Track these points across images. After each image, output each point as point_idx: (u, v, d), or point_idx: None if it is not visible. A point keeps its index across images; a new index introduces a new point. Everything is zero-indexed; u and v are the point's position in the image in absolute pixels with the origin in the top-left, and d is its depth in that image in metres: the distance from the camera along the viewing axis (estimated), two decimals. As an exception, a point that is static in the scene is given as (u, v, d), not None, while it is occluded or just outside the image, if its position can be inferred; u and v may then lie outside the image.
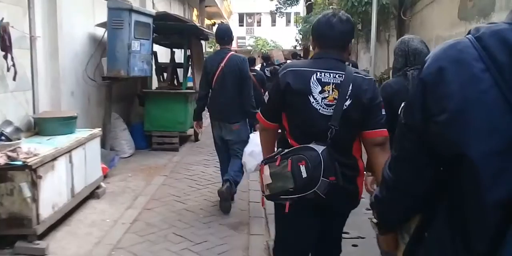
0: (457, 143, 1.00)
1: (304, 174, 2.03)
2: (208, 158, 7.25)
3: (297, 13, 33.18)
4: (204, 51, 11.73)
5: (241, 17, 37.80)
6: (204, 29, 8.35)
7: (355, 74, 2.21)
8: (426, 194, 1.19)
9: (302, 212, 2.25)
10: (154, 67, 8.35)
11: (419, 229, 1.23)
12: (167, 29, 7.72)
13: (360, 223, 3.53)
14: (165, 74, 8.71)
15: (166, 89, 8.03)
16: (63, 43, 5.45)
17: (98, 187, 5.06)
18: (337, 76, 2.18)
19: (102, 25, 6.47)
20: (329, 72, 2.18)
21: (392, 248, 1.45)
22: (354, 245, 3.82)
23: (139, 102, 8.10)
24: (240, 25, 37.14)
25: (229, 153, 4.84)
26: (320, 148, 2.08)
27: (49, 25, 5.21)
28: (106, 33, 6.14)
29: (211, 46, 17.47)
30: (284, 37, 33.07)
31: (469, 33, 1.09)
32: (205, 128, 9.92)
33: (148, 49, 6.51)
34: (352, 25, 2.29)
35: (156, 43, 8.44)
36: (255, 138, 3.94)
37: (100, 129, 5.15)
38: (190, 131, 8.57)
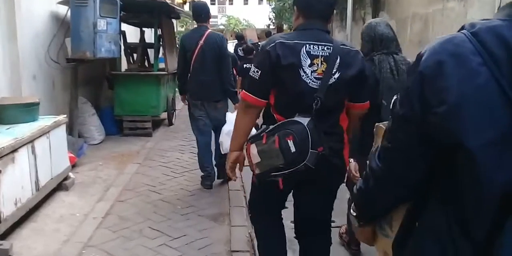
0: (455, 134, 1.03)
1: (293, 149, 2.01)
2: (183, 143, 6.94)
3: (269, -9, 32.79)
4: (175, 30, 11.28)
5: (212, -4, 37.02)
6: (176, 7, 7.92)
7: (342, 46, 2.19)
8: (416, 184, 1.20)
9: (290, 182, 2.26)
10: (122, 47, 7.94)
11: (409, 219, 1.23)
12: (135, 7, 7.27)
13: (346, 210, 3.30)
14: (134, 55, 8.28)
15: (136, 71, 7.62)
16: (22, 23, 4.99)
17: (66, 178, 4.71)
18: (325, 49, 2.15)
19: (64, 2, 5.99)
20: (318, 44, 2.16)
21: (370, 240, 1.46)
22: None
23: (108, 85, 7.68)
24: (211, 4, 36.36)
25: (210, 134, 4.79)
26: (305, 120, 2.06)
27: (5, 3, 4.75)
28: (69, 11, 5.68)
29: (183, 25, 16.90)
30: (256, 16, 32.70)
31: (462, 28, 1.12)
32: (178, 111, 9.64)
33: (115, 28, 6.08)
34: None
35: (124, 22, 7.99)
36: (232, 117, 3.80)
37: (66, 115, 4.75)
38: (164, 115, 8.22)
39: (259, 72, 2.19)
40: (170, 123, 8.36)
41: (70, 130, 6.19)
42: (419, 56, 1.13)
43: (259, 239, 2.66)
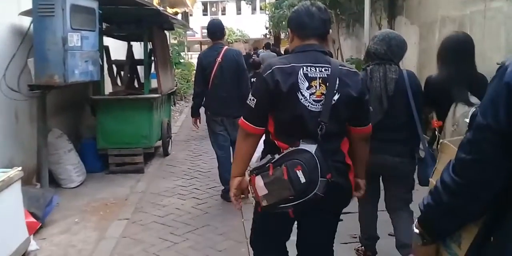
0: None
1: (303, 179, 1.95)
2: (183, 183, 5.58)
3: (262, 1, 31.95)
4: (169, 43, 9.97)
5: (205, 6, 35.96)
6: (169, 15, 6.60)
7: (340, 67, 2.15)
8: (494, 197, 1.18)
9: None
10: (106, 66, 6.63)
11: (483, 234, 1.21)
12: (120, 16, 6.01)
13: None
14: (122, 75, 6.97)
15: (124, 94, 6.27)
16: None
17: (25, 254, 3.37)
18: (323, 70, 2.12)
19: (28, 12, 4.70)
20: (315, 66, 2.12)
21: None
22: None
23: (92, 111, 6.33)
24: (204, 15, 35.34)
25: (229, 149, 4.78)
26: (312, 148, 2.01)
27: None
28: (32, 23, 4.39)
29: (176, 37, 15.60)
30: (250, 25, 31.77)
31: None
32: (175, 136, 8.32)
33: (93, 43, 4.77)
34: (330, 16, 2.23)
35: (108, 36, 6.71)
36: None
37: (20, 168, 3.41)
38: (158, 143, 6.90)
39: (255, 100, 2.15)
40: (166, 153, 7.02)
41: (38, 177, 4.85)
42: (503, 68, 1.15)
43: None
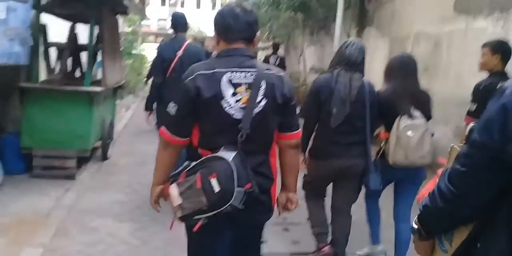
0: None
1: (217, 188, 1.80)
2: (121, 197, 4.65)
3: (224, -4, 31.33)
4: (120, 30, 8.89)
5: (163, -4, 34.71)
6: (123, -5, 5.62)
7: (266, 70, 2.06)
8: (484, 206, 1.28)
9: (213, 228, 1.95)
10: (42, 49, 5.57)
11: (471, 238, 1.31)
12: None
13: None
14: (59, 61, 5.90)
15: (59, 85, 5.23)
16: None
17: None
18: (248, 75, 2.01)
19: None
20: (240, 71, 2.01)
21: (428, 254, 1.52)
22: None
23: (20, 101, 5.25)
24: (162, 5, 34.00)
25: None
26: (230, 155, 1.88)
27: None
28: None
29: (130, 25, 14.43)
30: (209, 21, 30.58)
31: None
32: (117, 137, 7.32)
33: (23, 18, 3.79)
34: (257, 17, 2.13)
35: (48, 12, 5.64)
36: None
37: None
38: (97, 144, 5.90)
39: (176, 108, 2.04)
40: (105, 157, 6.01)
41: None
42: (501, 89, 1.25)
43: None
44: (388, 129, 3.11)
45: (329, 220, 3.32)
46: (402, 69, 3.19)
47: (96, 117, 5.34)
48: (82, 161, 5.51)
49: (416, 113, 3.04)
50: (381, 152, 3.16)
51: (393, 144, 3.00)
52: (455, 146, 1.57)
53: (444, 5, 5.90)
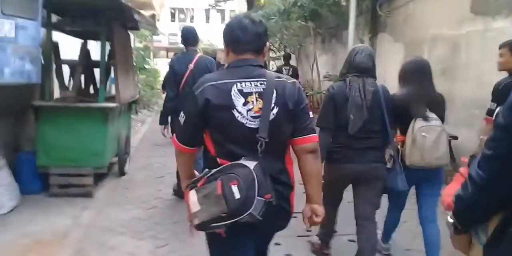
0: None
1: (237, 195, 1.78)
2: (140, 214, 4.55)
3: (232, 11, 31.44)
4: (132, 46, 8.89)
5: (173, 12, 35.00)
6: (133, 9, 5.56)
7: (276, 79, 2.07)
8: None
9: (237, 233, 1.95)
10: (54, 66, 5.56)
11: (503, 224, 1.32)
12: (72, 7, 4.96)
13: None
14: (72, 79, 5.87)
15: (73, 102, 5.20)
16: None
17: None
18: (258, 84, 2.03)
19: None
20: (250, 81, 2.03)
21: (465, 248, 1.53)
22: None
23: (35, 117, 5.22)
24: (172, 21, 34.34)
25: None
26: (251, 164, 1.87)
27: None
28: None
29: (141, 41, 14.50)
30: (219, 35, 30.74)
31: None
32: (134, 151, 7.27)
33: (33, 36, 3.74)
34: (266, 28, 2.15)
35: (59, 30, 5.64)
36: None
37: None
38: (113, 159, 5.84)
39: (184, 118, 2.08)
40: (122, 173, 5.95)
41: None
42: None
43: None
44: (404, 132, 3.15)
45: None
46: (416, 73, 3.22)
47: (111, 133, 5.28)
48: (99, 177, 5.44)
49: (431, 115, 3.09)
50: (399, 155, 3.18)
51: (409, 145, 3.05)
52: (485, 138, 1.56)
53: (461, 7, 5.79)
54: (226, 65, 2.16)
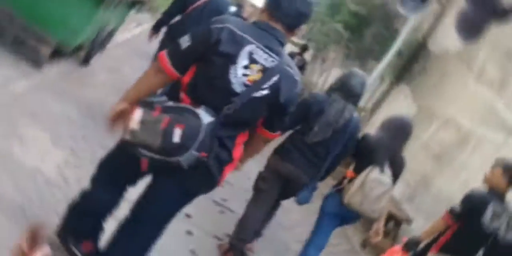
0: None
1: (176, 139, 1.82)
2: (77, 115, 3.97)
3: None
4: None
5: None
6: None
7: (287, 67, 2.04)
8: None
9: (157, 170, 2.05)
10: None
11: None
12: None
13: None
14: None
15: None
16: None
17: None
18: (269, 60, 1.99)
19: None
20: (264, 52, 1.99)
21: None
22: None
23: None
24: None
25: None
26: (207, 119, 1.89)
27: None
28: None
29: None
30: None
31: None
32: (108, 51, 6.51)
33: None
34: (311, 10, 2.12)
35: None
36: None
37: None
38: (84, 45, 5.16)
39: (188, 44, 1.98)
40: (86, 61, 5.31)
41: None
42: None
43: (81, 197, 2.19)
44: (357, 170, 3.20)
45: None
46: (397, 129, 3.32)
47: (99, 17, 4.62)
48: (58, 54, 4.74)
49: (388, 171, 3.16)
50: (341, 187, 3.23)
51: (355, 187, 3.09)
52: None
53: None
54: (254, 20, 2.14)
